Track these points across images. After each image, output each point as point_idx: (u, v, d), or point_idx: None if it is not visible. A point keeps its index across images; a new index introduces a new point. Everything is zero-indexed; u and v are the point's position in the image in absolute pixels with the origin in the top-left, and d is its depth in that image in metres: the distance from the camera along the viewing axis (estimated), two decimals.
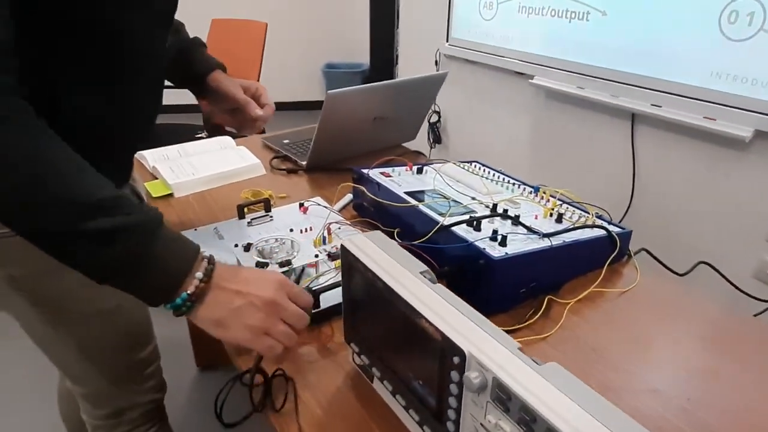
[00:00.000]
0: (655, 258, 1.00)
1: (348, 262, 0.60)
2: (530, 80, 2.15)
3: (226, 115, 0.99)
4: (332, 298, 0.78)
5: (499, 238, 0.81)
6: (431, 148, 2.94)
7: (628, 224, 0.98)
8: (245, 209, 1.02)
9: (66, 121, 0.58)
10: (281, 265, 0.80)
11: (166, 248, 0.56)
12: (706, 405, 0.64)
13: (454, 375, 0.46)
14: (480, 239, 0.80)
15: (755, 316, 1.26)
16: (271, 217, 1.02)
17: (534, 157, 2.34)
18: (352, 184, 1.07)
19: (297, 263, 0.81)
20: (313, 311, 0.76)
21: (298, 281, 0.82)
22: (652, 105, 1.74)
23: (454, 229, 0.83)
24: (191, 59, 0.95)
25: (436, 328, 0.46)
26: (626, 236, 0.94)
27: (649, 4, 1.69)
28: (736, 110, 1.53)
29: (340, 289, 0.78)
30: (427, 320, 0.48)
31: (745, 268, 1.63)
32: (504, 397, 0.41)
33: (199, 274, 0.57)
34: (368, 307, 0.59)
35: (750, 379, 0.68)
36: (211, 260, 0.60)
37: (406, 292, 0.51)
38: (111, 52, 0.65)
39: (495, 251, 0.77)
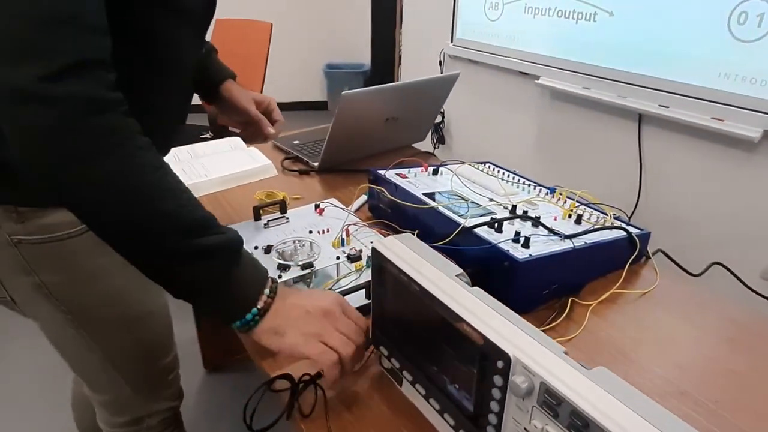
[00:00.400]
0: (671, 259, 1.00)
1: (379, 264, 0.59)
2: (536, 81, 2.15)
3: (235, 124, 1.00)
4: (354, 301, 0.78)
5: (522, 239, 0.80)
6: (435, 148, 2.94)
7: (636, 225, 0.98)
8: (261, 211, 1.01)
9: None
10: (303, 267, 0.79)
11: (246, 267, 0.58)
12: (734, 407, 0.64)
13: (498, 379, 0.45)
14: (503, 241, 0.80)
15: None
16: (288, 218, 1.01)
17: (539, 157, 2.34)
18: (369, 185, 1.06)
19: (318, 265, 0.81)
20: None
21: (309, 283, 0.82)
22: (660, 105, 1.74)
23: (476, 230, 0.82)
24: (206, 65, 0.95)
25: (479, 332, 0.46)
26: (645, 237, 0.94)
27: (657, 4, 1.69)
28: (745, 111, 1.53)
29: (362, 291, 0.79)
30: (468, 324, 0.47)
31: (753, 268, 1.64)
32: (553, 402, 0.41)
33: (267, 291, 0.59)
34: (401, 310, 0.59)
35: None
36: (274, 279, 0.62)
37: (444, 295, 0.50)
38: (157, 61, 0.65)
39: (519, 253, 0.77)
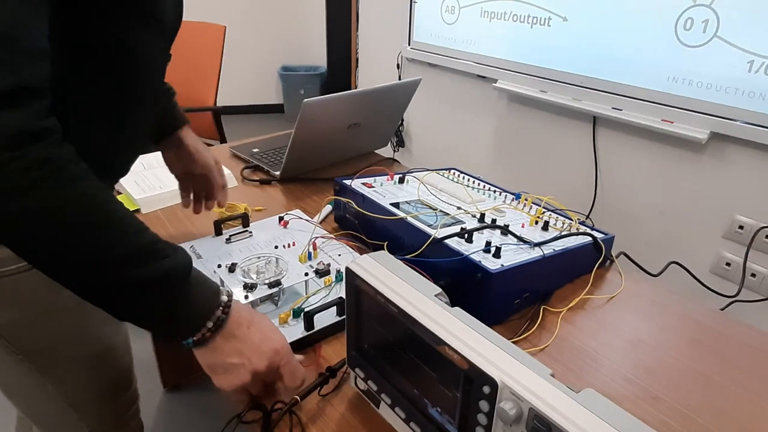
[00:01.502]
0: (633, 261, 1.03)
1: (354, 285, 0.57)
2: (493, 84, 2.18)
3: (183, 173, 0.94)
4: (325, 318, 0.75)
5: (493, 249, 0.80)
6: (395, 152, 2.93)
7: (599, 229, 1.00)
8: (222, 225, 0.97)
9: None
10: (270, 285, 0.76)
11: (195, 291, 0.55)
12: (706, 411, 0.65)
13: (484, 405, 0.44)
14: (474, 252, 0.79)
15: (721, 310, 1.33)
16: (251, 232, 0.97)
17: (498, 159, 2.37)
18: (335, 197, 1.04)
19: (286, 282, 0.78)
20: (306, 333, 0.73)
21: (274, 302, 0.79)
22: (613, 108, 1.79)
23: (447, 241, 0.81)
24: (166, 107, 0.89)
25: (462, 356, 0.45)
26: (609, 242, 0.96)
27: (608, 10, 1.74)
28: (693, 113, 1.59)
29: (333, 309, 0.76)
30: (450, 347, 0.46)
31: (703, 263, 1.71)
32: (542, 428, 0.40)
33: (210, 324, 0.56)
34: (378, 331, 0.57)
35: (741, 381, 0.70)
36: (226, 305, 0.58)
37: (424, 317, 0.49)
38: (121, 74, 0.60)
39: (491, 264, 0.76)
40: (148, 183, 1.17)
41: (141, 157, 1.30)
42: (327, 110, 1.17)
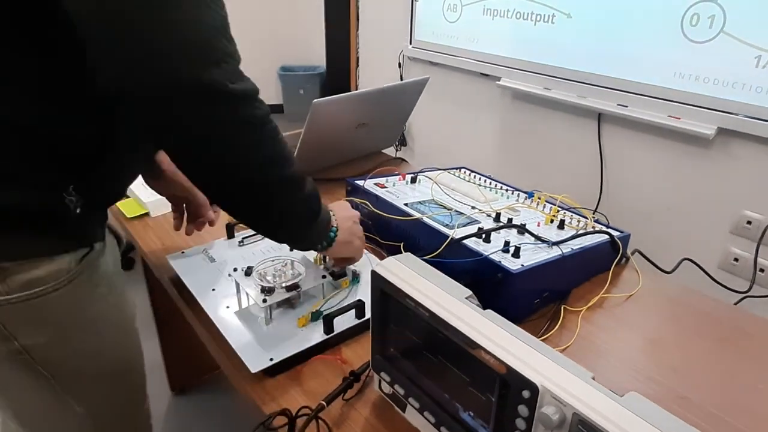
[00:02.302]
0: (647, 259, 1.02)
1: (380, 288, 0.56)
2: (497, 82, 2.17)
3: (174, 199, 0.93)
4: (344, 321, 0.74)
5: (512, 249, 0.79)
6: (396, 150, 2.92)
7: (615, 227, 0.99)
8: (234, 228, 0.96)
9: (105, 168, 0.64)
10: (288, 289, 0.75)
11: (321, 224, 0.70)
12: (734, 410, 0.64)
13: (523, 410, 0.43)
14: (493, 252, 0.78)
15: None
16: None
17: (501, 158, 2.36)
18: (347, 198, 1.03)
19: (304, 286, 0.77)
20: (326, 336, 0.72)
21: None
22: (619, 105, 1.79)
23: (465, 241, 0.80)
24: None
25: (500, 360, 0.44)
26: (626, 240, 0.95)
27: (613, 6, 1.74)
28: (699, 109, 1.59)
29: (352, 311, 0.75)
30: (487, 351, 0.45)
31: (711, 260, 1.71)
32: None
33: (330, 213, 0.73)
34: (406, 335, 0.56)
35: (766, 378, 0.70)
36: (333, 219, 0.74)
37: (458, 321, 0.48)
38: None
39: (511, 264, 0.76)
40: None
41: None
42: (336, 110, 1.16)
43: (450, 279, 0.54)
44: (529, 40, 2.03)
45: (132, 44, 0.45)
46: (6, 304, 0.58)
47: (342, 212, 0.76)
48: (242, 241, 0.94)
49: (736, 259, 1.65)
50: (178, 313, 0.85)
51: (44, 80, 0.54)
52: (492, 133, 2.36)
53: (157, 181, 0.88)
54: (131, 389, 0.78)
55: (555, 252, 0.81)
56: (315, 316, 0.75)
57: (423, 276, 0.53)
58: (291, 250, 0.86)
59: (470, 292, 0.52)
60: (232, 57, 0.51)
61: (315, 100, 1.07)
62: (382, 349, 0.60)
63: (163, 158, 0.87)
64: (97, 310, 0.68)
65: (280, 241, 0.70)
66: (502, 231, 0.86)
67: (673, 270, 1.03)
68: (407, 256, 0.57)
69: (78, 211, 0.60)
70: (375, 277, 0.56)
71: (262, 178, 0.57)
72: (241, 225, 0.98)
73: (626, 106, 1.77)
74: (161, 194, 0.92)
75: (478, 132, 2.43)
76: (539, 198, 1.04)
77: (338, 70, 4.05)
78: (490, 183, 1.12)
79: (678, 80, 1.62)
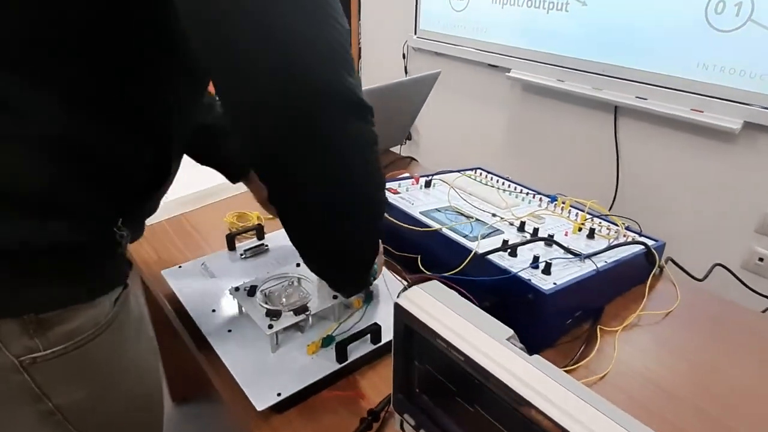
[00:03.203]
0: (681, 267, 0.95)
1: (403, 323, 0.49)
2: (506, 73, 2.08)
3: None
4: (359, 347, 0.67)
5: (542, 265, 0.72)
6: (401, 145, 2.83)
7: (648, 235, 0.92)
8: (235, 239, 0.89)
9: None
10: (296, 312, 0.68)
11: None
12: None
13: None
14: (521, 268, 0.71)
15: (762, 312, 1.25)
16: (267, 246, 0.89)
17: (510, 154, 2.28)
18: None
19: (314, 308, 0.69)
20: (339, 365, 0.65)
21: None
22: (637, 98, 1.70)
23: (490, 256, 0.73)
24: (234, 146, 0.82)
25: (556, 424, 0.37)
26: (660, 249, 0.88)
27: None
28: (725, 102, 1.50)
29: (367, 337, 0.68)
30: (539, 411, 0.38)
31: (733, 260, 1.63)
32: None
33: None
34: (433, 377, 0.49)
35: None
36: None
37: (500, 370, 0.41)
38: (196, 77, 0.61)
39: (542, 282, 0.68)
40: None
41: None
42: None
43: (488, 315, 0.46)
44: (541, 29, 1.94)
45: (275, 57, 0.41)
46: (44, 361, 0.50)
47: None
48: (244, 254, 0.86)
49: (761, 259, 1.58)
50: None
51: (106, 98, 0.49)
52: (501, 127, 2.28)
53: (259, 188, 0.87)
54: None
55: (588, 266, 0.74)
56: (326, 341, 0.68)
57: (455, 311, 0.46)
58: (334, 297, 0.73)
59: (511, 332, 0.45)
60: (351, 63, 0.46)
61: None
62: (405, 387, 0.53)
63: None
64: (132, 355, 0.60)
65: (336, 286, 0.66)
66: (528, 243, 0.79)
67: (705, 277, 0.96)
68: (434, 286, 0.50)
69: (127, 245, 0.55)
70: (398, 310, 0.49)
71: (368, 202, 0.53)
72: (242, 235, 0.91)
73: (645, 99, 1.68)
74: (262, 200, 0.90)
75: (486, 127, 2.34)
76: (563, 203, 0.97)
77: None
78: (508, 185, 1.05)
79: (701, 71, 1.54)
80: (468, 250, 0.74)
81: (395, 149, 1.43)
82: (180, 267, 0.83)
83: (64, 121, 0.46)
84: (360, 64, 3.08)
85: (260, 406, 0.58)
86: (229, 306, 0.74)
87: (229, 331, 0.70)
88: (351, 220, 0.52)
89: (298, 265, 0.79)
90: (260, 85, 0.41)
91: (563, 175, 2.06)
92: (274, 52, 0.40)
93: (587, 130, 1.93)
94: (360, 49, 3.05)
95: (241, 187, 1.13)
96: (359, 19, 2.95)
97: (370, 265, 0.63)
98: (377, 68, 2.96)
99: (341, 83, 0.43)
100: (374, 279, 0.69)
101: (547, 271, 0.71)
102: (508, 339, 0.44)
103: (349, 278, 0.63)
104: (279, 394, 0.60)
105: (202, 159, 0.83)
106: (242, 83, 0.42)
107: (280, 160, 0.46)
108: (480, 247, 0.75)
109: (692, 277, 0.94)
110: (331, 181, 0.47)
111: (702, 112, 1.56)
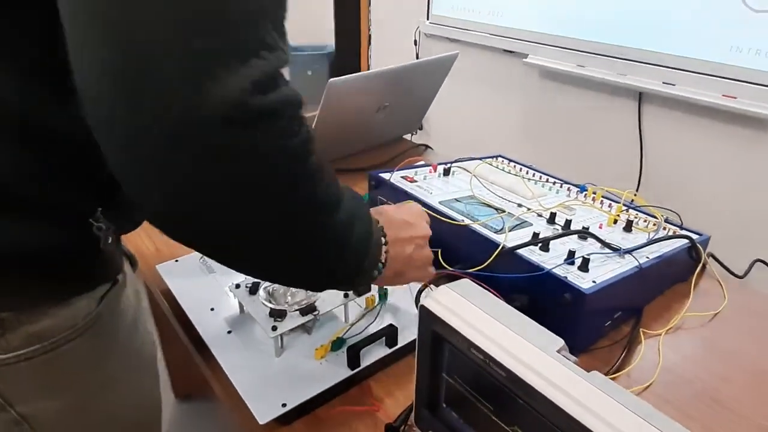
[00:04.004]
0: (720, 263, 0.87)
1: (430, 329, 0.42)
2: (523, 59, 1.99)
3: None
4: (372, 350, 0.60)
5: (578, 261, 0.64)
6: (412, 134, 2.75)
7: (690, 228, 0.84)
8: None
9: None
10: (302, 312, 0.60)
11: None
12: None
13: None
14: (556, 264, 0.63)
15: None
16: None
17: (527, 142, 2.19)
18: (370, 192, 0.88)
19: (322, 307, 0.62)
20: (351, 371, 0.58)
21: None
22: (664, 83, 1.61)
23: (520, 251, 0.66)
24: None
25: None
26: (704, 244, 0.80)
27: None
28: (760, 87, 1.41)
29: (382, 340, 0.61)
30: None
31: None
32: None
33: (383, 239, 0.50)
34: (466, 391, 0.42)
35: None
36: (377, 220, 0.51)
37: (554, 391, 0.33)
38: None
39: (580, 280, 0.61)
40: None
41: None
42: (354, 91, 1.01)
43: (532, 321, 0.39)
44: (561, 12, 1.85)
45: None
46: (5, 365, 0.44)
47: (400, 231, 0.53)
48: None
49: None
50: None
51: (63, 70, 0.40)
52: (517, 115, 2.19)
53: None
54: None
55: (629, 262, 0.66)
56: (336, 345, 0.61)
57: (493, 316, 0.39)
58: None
59: (561, 342, 0.37)
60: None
61: (331, 79, 0.91)
62: (430, 402, 0.46)
63: None
64: (121, 362, 0.54)
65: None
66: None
67: (746, 274, 0.88)
68: (466, 285, 0.43)
69: (109, 241, 0.47)
70: (424, 313, 0.41)
71: (303, 213, 0.40)
72: None
73: (673, 85, 1.59)
74: None
75: (502, 114, 2.26)
76: (594, 193, 0.89)
77: (348, 49, 3.86)
78: (533, 174, 0.97)
79: (735, 54, 1.44)
80: (495, 244, 0.66)
81: (407, 137, 1.36)
82: (176, 261, 0.77)
83: (19, 99, 0.39)
84: (370, 52, 3.00)
85: (263, 419, 0.52)
86: (228, 304, 0.68)
87: (229, 332, 0.63)
88: (294, 242, 0.40)
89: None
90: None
91: (583, 166, 1.97)
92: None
93: (609, 118, 1.84)
94: (370, 36, 2.97)
95: None
96: (369, 5, 2.87)
97: (355, 263, 0.47)
98: (388, 56, 2.87)
99: (207, 91, 0.31)
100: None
101: (584, 267, 0.63)
102: (558, 351, 0.36)
103: (329, 284, 0.49)
104: (284, 405, 0.53)
105: None
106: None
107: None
108: (508, 240, 0.67)
109: (733, 274, 0.86)
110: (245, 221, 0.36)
111: (735, 98, 1.47)
